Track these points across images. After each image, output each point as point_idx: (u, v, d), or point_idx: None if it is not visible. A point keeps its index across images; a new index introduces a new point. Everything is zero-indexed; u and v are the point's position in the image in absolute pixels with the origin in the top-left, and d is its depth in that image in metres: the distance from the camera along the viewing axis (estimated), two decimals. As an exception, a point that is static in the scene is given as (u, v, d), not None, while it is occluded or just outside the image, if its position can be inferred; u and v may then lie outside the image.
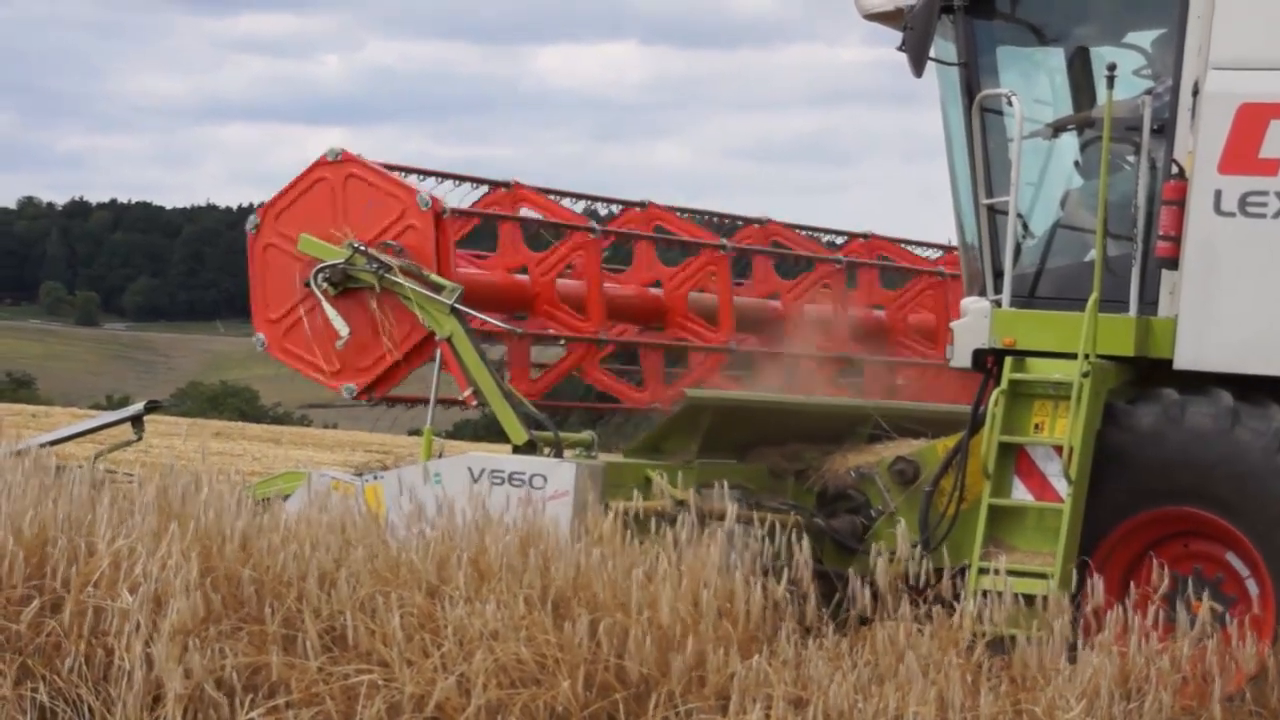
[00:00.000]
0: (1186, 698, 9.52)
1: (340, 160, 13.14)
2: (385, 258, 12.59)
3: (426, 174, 14.08)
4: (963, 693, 9.18)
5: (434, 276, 12.63)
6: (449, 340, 12.54)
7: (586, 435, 13.17)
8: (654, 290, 14.78)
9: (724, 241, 14.69)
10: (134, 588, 9.71)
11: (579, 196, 15.82)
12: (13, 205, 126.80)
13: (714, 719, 9.21)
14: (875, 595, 10.12)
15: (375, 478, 12.24)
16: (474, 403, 12.67)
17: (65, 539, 10.04)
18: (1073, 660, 9.47)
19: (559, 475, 12.03)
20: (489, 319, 13.26)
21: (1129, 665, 9.52)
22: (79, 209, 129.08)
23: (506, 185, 14.80)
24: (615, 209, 15.25)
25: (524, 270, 13.87)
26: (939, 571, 10.77)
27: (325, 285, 12.57)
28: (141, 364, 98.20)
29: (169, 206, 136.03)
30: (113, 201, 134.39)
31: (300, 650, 9.58)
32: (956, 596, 10.22)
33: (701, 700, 9.36)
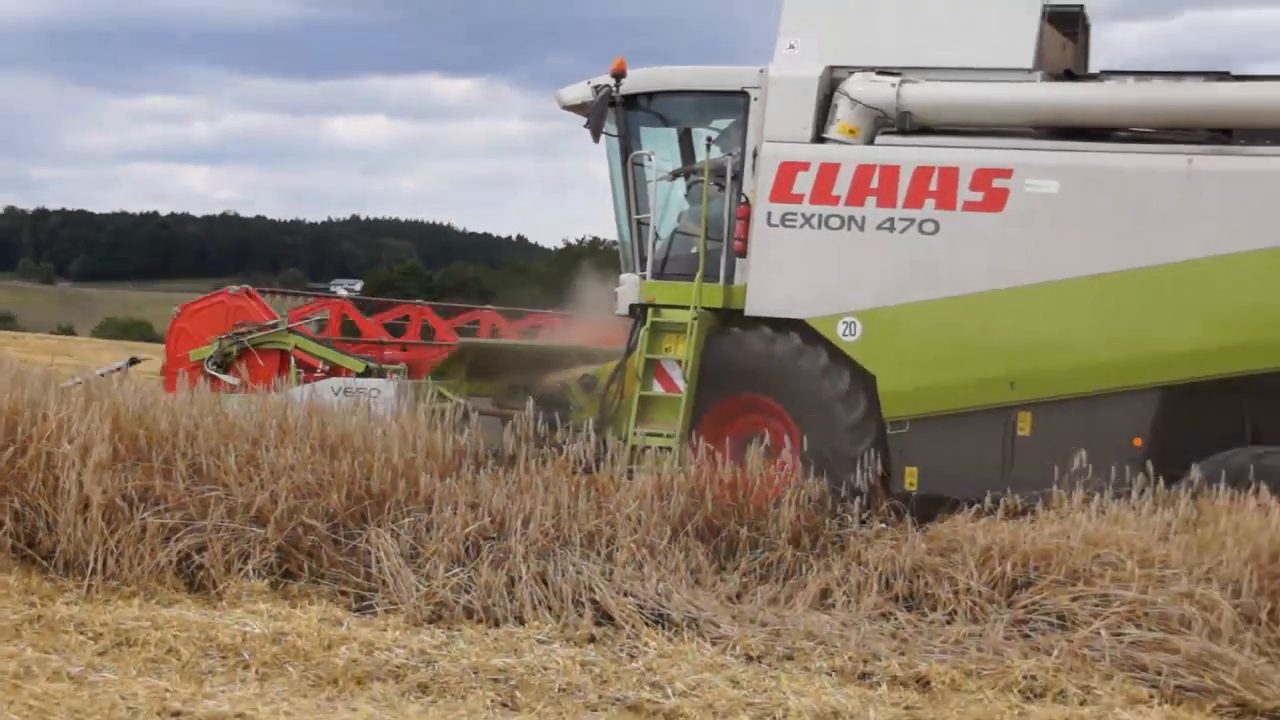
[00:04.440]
0: (727, 501, 13.26)
1: (237, 294, 17.65)
2: (237, 334, 16.93)
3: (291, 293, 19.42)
4: (569, 499, 12.79)
5: (267, 323, 16.95)
6: (296, 347, 16.81)
7: (401, 366, 17.13)
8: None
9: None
10: (71, 440, 12.95)
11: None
12: (1, 211, 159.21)
13: (424, 515, 12.63)
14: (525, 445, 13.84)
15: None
16: (326, 369, 16.72)
17: (28, 411, 13.27)
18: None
19: (387, 388, 15.99)
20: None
21: (661, 480, 13.16)
22: (41, 214, 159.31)
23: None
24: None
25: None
26: (556, 429, 14.30)
27: (214, 369, 16.70)
28: (80, 308, 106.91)
29: (98, 212, 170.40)
30: (62, 209, 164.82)
31: (174, 477, 12.92)
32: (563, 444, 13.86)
33: (417, 504, 12.86)
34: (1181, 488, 13.21)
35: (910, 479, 15.39)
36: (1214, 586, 11.64)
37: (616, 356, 16.48)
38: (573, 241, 50.59)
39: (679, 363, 15.69)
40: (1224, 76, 15.40)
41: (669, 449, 14.74)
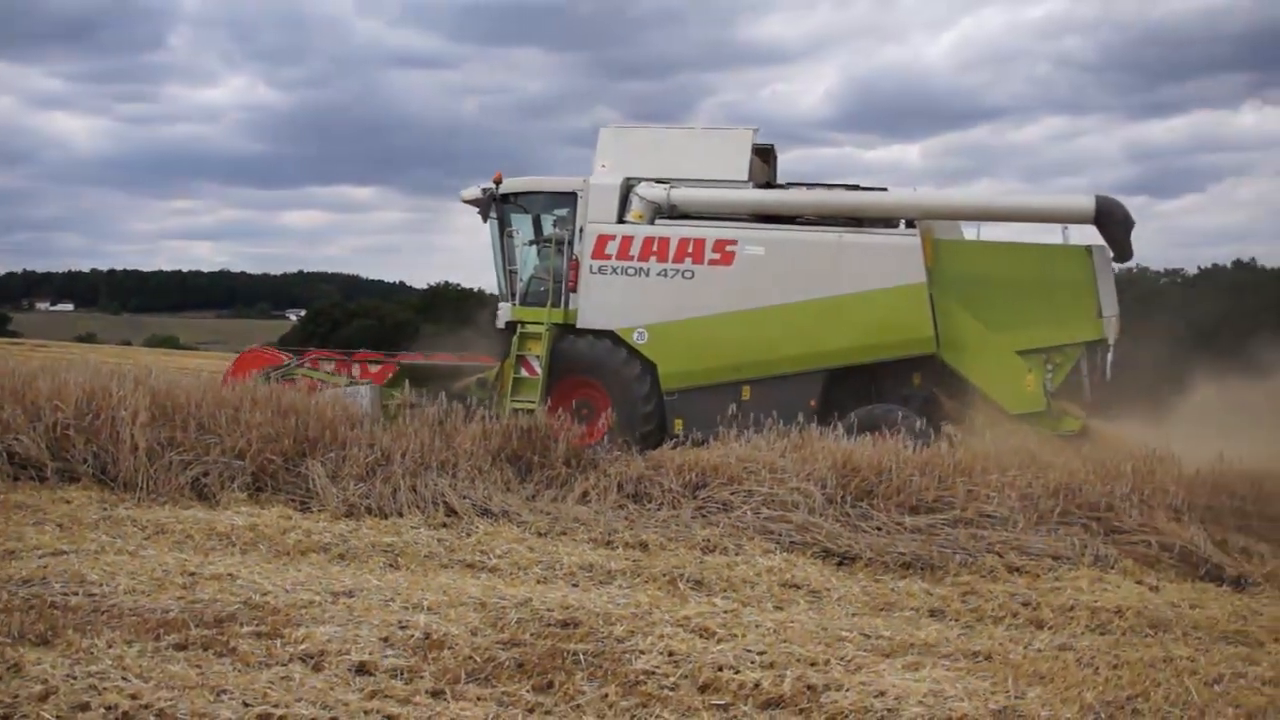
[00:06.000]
0: (578, 441, 14.12)
1: (263, 347, 18.39)
2: (268, 371, 17.20)
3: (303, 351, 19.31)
4: (429, 439, 13.52)
5: (284, 364, 17.50)
6: (304, 375, 17.31)
7: (370, 380, 17.33)
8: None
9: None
10: (126, 407, 13.47)
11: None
12: (88, 270, 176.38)
13: (341, 452, 13.33)
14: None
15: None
16: (326, 385, 16.97)
17: (100, 390, 13.79)
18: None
19: (364, 390, 16.19)
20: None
21: (486, 427, 13.83)
22: (112, 272, 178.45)
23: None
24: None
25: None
26: (467, 407, 14.73)
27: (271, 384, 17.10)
28: (135, 328, 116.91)
29: (145, 270, 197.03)
30: (124, 269, 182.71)
31: (189, 430, 13.46)
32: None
33: (336, 445, 13.58)
34: (809, 426, 14.61)
35: (678, 426, 16.75)
36: (811, 483, 12.65)
37: (495, 368, 17.45)
38: (434, 284, 58.49)
39: (537, 357, 16.84)
40: (854, 188, 16.98)
41: (531, 410, 15.80)
